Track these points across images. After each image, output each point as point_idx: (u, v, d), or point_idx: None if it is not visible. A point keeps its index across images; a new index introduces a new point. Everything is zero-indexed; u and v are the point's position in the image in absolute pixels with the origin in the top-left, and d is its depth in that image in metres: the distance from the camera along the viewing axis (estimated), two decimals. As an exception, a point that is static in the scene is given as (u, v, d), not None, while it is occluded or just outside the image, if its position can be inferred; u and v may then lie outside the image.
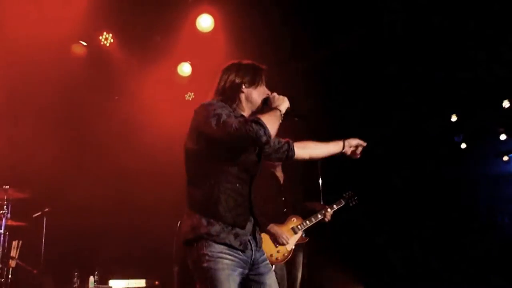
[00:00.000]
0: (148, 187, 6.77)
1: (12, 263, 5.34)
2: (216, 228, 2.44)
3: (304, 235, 4.81)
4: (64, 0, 5.50)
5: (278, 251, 4.68)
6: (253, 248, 2.58)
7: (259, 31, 6.05)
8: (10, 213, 5.32)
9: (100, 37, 6.23)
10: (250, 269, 2.57)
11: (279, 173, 5.01)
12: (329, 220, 4.78)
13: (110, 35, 6.26)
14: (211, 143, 2.48)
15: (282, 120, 2.59)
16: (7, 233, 5.28)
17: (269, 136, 2.38)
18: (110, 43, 6.29)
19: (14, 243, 5.50)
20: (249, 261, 2.56)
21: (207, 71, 6.57)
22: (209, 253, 2.41)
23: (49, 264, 5.67)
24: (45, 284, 5.84)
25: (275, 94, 2.68)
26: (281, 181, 5.00)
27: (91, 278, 6.00)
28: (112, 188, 6.50)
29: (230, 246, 2.45)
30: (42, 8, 5.48)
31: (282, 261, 4.68)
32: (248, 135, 2.34)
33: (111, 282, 6.01)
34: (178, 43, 6.46)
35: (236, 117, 2.49)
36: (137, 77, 6.80)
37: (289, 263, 4.76)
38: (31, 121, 6.07)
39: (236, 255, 2.48)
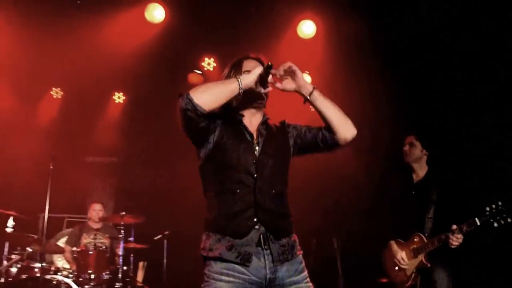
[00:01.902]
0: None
1: (139, 281, 6.02)
2: (211, 240, 2.30)
3: (425, 260, 4.09)
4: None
5: (397, 275, 4.30)
6: (266, 263, 2.28)
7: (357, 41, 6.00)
8: (133, 236, 6.03)
9: (203, 63, 6.69)
10: None
11: (421, 169, 4.37)
12: (456, 246, 3.89)
13: (212, 59, 6.69)
14: (198, 150, 2.45)
15: None
16: (132, 255, 5.96)
17: (193, 105, 2.21)
18: (213, 67, 6.72)
19: (140, 264, 6.24)
20: (263, 282, 2.27)
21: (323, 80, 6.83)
22: (207, 273, 2.28)
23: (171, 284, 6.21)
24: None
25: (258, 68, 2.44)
26: (415, 180, 4.37)
27: None
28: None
29: (226, 261, 2.24)
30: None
31: (402, 286, 4.26)
32: (180, 111, 2.25)
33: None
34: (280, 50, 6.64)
35: None
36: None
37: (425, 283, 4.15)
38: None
39: (240, 274, 2.24)
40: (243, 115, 2.53)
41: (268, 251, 2.30)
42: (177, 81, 6.96)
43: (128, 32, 6.05)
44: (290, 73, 2.46)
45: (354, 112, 2.64)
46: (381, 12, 5.91)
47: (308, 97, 2.48)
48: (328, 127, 2.51)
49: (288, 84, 2.49)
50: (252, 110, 2.56)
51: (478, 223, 3.76)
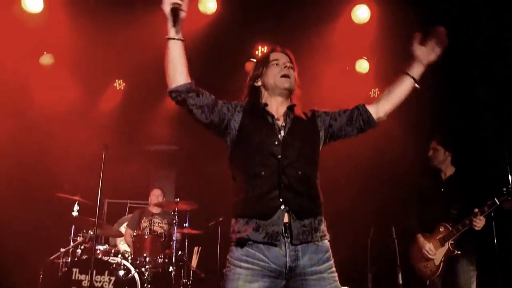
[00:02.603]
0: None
1: (193, 266, 6.35)
2: (239, 224, 2.37)
3: (452, 247, 4.38)
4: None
5: (426, 266, 4.53)
6: (287, 251, 2.30)
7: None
8: (188, 222, 6.35)
9: (257, 52, 6.87)
10: (288, 280, 2.32)
11: (447, 169, 4.70)
12: (480, 229, 4.21)
13: (266, 47, 6.82)
14: (224, 140, 2.60)
15: None
16: (187, 240, 6.28)
17: (172, 91, 2.44)
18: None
19: (195, 249, 6.56)
20: (283, 270, 2.29)
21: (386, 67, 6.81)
22: (229, 259, 2.36)
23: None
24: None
25: None
26: (444, 179, 4.68)
27: None
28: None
29: (252, 243, 2.30)
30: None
31: (430, 277, 4.50)
32: (180, 105, 2.50)
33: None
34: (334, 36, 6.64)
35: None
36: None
37: (450, 279, 4.40)
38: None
39: (259, 262, 2.28)
40: (267, 104, 2.62)
41: (289, 237, 2.32)
42: (234, 70, 7.17)
43: (183, 25, 6.28)
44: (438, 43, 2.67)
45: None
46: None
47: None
48: (391, 106, 2.71)
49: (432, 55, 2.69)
50: (278, 99, 2.64)
51: (498, 202, 4.11)
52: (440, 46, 2.65)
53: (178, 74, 2.45)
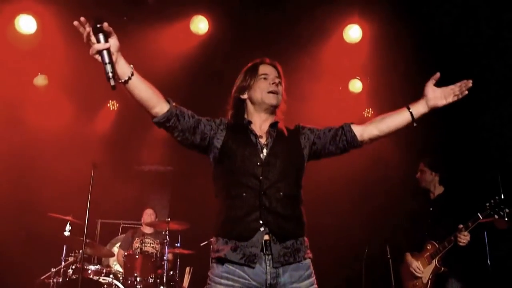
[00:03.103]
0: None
1: (185, 286, 6.39)
2: (219, 243, 2.42)
3: (439, 264, 4.49)
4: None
5: (414, 284, 4.64)
6: (267, 268, 2.35)
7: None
8: (180, 242, 6.40)
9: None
10: None
11: (435, 189, 4.85)
12: (465, 244, 4.31)
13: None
14: (208, 156, 2.61)
15: None
16: (178, 260, 6.34)
17: (153, 121, 2.47)
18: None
19: (187, 269, 6.60)
20: (263, 287, 2.35)
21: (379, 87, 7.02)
22: (210, 275, 2.43)
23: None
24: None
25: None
26: (432, 198, 4.84)
27: None
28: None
29: (230, 262, 2.35)
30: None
31: None
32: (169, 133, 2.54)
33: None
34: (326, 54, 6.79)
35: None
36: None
37: None
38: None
39: (239, 279, 2.33)
40: (251, 122, 2.64)
41: (270, 255, 2.36)
42: (226, 90, 7.27)
43: (174, 45, 6.48)
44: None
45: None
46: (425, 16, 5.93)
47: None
48: (378, 133, 2.66)
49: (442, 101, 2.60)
50: (263, 116, 2.66)
51: (481, 217, 4.27)
52: (455, 98, 2.58)
53: (152, 107, 2.44)
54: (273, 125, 2.63)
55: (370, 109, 7.59)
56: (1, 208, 6.51)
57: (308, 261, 2.49)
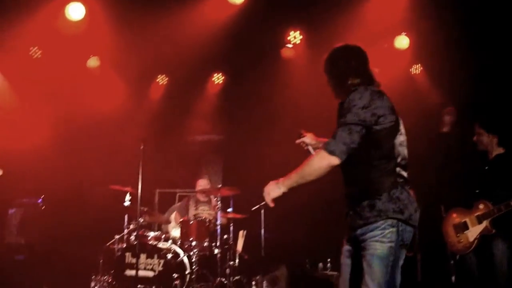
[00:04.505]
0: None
1: (239, 249, 6.93)
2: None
3: (490, 225, 4.53)
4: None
5: (459, 241, 4.77)
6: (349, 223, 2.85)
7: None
8: (232, 207, 6.93)
9: (289, 37, 7.37)
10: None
11: (494, 150, 4.80)
12: None
13: (298, 32, 7.34)
14: None
15: None
16: (231, 224, 6.88)
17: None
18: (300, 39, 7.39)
19: (240, 232, 7.12)
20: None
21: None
22: (390, 236, 2.77)
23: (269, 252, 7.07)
24: (277, 270, 7.28)
25: None
26: (490, 158, 4.80)
27: (320, 265, 7.18)
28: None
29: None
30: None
31: (463, 252, 4.75)
32: None
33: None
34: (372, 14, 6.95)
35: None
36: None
37: (485, 257, 4.64)
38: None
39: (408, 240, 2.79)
40: None
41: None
42: (268, 57, 7.66)
43: (213, 14, 6.89)
44: None
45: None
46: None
47: None
48: None
49: None
50: None
51: None
52: None
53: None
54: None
55: (419, 65, 7.69)
56: (67, 184, 7.33)
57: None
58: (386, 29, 7.27)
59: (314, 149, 3.24)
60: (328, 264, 7.12)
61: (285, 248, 7.34)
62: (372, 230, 2.70)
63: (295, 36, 7.36)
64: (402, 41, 7.43)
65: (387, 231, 2.68)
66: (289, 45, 7.54)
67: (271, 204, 2.85)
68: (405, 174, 2.82)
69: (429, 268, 6.23)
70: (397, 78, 7.26)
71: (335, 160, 2.68)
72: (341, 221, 3.15)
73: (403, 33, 7.39)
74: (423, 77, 7.68)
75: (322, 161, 2.70)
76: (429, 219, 5.76)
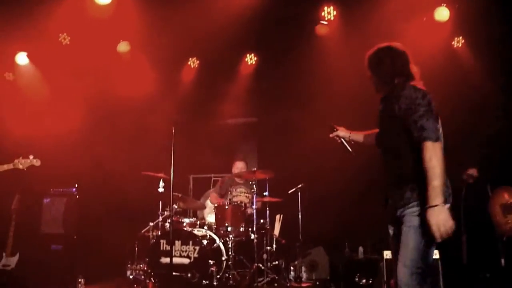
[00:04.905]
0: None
1: (276, 234, 6.87)
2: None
3: None
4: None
5: (507, 222, 4.75)
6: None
7: None
8: (268, 190, 6.81)
9: (323, 13, 7.13)
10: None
11: None
12: None
13: (331, 7, 7.08)
14: None
15: None
16: (268, 208, 6.77)
17: None
18: (334, 15, 7.10)
19: (277, 216, 7.05)
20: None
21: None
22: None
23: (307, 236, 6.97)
24: (316, 254, 7.20)
25: None
26: None
27: (360, 249, 6.97)
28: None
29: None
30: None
31: (510, 233, 4.70)
32: None
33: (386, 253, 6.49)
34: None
35: None
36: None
37: None
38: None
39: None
40: None
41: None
42: (303, 35, 7.50)
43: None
44: None
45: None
46: None
47: None
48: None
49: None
50: None
51: None
52: None
53: None
54: None
55: (461, 37, 7.40)
56: (100, 172, 7.41)
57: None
58: (425, 0, 7.01)
59: (347, 142, 3.56)
60: (369, 248, 6.95)
61: (323, 231, 7.26)
62: (411, 208, 2.88)
63: (329, 12, 7.14)
64: (442, 13, 7.10)
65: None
66: (323, 22, 7.33)
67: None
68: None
69: (475, 250, 5.96)
70: (438, 52, 7.08)
71: (440, 144, 2.84)
72: (380, 203, 3.20)
73: (443, 4, 7.06)
74: (465, 51, 7.38)
75: (437, 151, 2.81)
76: (475, 199, 5.71)
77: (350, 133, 3.57)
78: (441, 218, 2.67)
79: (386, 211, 3.07)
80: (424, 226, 2.75)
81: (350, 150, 3.53)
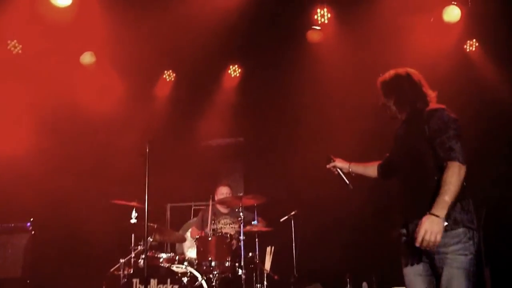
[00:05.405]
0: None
1: (267, 269, 6.15)
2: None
3: None
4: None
5: None
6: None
7: None
8: (257, 219, 6.14)
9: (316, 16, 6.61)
10: None
11: None
12: None
13: (325, 9, 6.57)
14: None
15: None
16: (257, 239, 6.05)
17: None
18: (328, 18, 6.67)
19: (268, 249, 6.36)
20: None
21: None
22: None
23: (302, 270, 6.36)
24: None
25: None
26: None
27: (364, 284, 6.47)
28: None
29: None
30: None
31: None
32: None
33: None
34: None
35: None
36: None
37: None
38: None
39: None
40: None
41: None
42: (292, 42, 7.07)
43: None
44: None
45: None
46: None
47: None
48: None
49: None
50: None
51: None
52: None
53: None
54: None
55: (474, 40, 6.94)
56: (60, 202, 6.72)
57: None
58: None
59: (346, 174, 3.53)
60: (375, 284, 6.53)
61: (321, 265, 6.74)
62: (453, 244, 2.85)
63: (322, 14, 6.56)
64: (453, 12, 6.56)
65: (468, 243, 2.87)
66: (316, 27, 6.82)
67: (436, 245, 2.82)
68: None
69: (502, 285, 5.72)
70: (447, 58, 6.68)
71: (465, 168, 2.90)
72: (386, 232, 3.28)
73: (453, 3, 6.53)
74: (479, 56, 6.94)
75: (461, 173, 2.87)
76: (497, 226, 5.21)
77: (349, 164, 3.58)
78: (435, 228, 2.75)
79: (404, 243, 3.03)
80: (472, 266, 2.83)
81: (348, 183, 3.49)
